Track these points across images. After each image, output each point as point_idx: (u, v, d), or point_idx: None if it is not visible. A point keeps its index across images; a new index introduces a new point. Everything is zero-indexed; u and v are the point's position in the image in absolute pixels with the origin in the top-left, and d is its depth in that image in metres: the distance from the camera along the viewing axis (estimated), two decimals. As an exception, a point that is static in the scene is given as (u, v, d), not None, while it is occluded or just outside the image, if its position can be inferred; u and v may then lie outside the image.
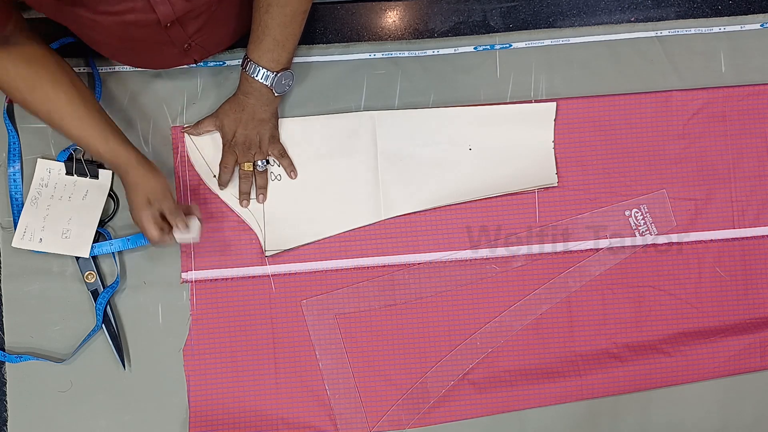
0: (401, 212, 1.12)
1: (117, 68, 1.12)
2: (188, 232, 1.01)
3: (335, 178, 1.12)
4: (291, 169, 1.11)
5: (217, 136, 1.12)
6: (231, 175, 1.10)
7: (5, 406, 1.09)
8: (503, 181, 1.13)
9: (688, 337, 1.13)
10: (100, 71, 1.12)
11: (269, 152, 1.10)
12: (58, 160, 1.10)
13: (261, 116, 1.07)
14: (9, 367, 1.09)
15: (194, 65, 1.12)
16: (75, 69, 1.11)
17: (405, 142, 1.13)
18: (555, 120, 1.14)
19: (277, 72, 1.02)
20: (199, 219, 1.03)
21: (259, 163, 1.09)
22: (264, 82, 1.02)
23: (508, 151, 1.14)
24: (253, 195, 1.12)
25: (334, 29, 1.15)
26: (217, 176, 1.11)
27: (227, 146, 1.09)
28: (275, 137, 1.10)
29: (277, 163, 1.11)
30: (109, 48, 1.01)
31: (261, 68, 1.02)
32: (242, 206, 1.11)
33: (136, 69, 1.12)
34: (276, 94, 1.04)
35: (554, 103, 1.13)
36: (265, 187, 1.11)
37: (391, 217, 1.12)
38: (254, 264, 1.11)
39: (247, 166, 1.09)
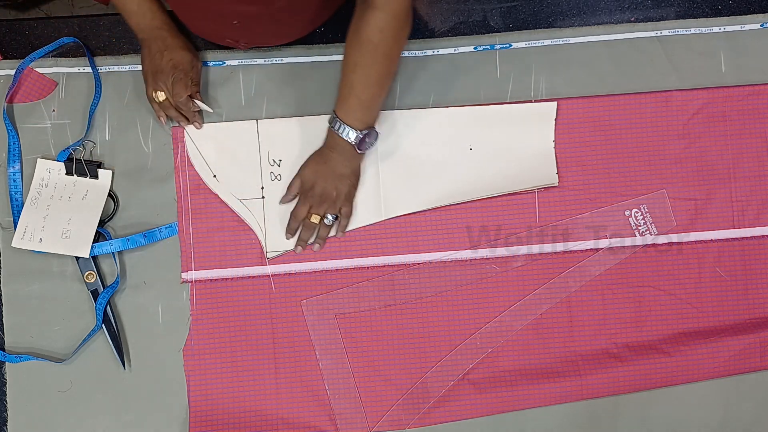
0: (401, 212, 1.13)
1: (117, 68, 1.13)
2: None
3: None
4: (342, 230, 1.11)
5: (216, 136, 1.12)
6: (299, 225, 1.10)
7: (5, 406, 1.09)
8: (503, 181, 1.13)
9: (688, 337, 1.13)
10: (100, 71, 1.12)
11: (341, 209, 1.10)
12: (58, 160, 1.10)
13: (341, 171, 1.07)
14: (9, 367, 1.09)
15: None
16: (75, 69, 1.12)
17: (405, 142, 1.13)
18: (555, 120, 1.14)
19: (362, 130, 1.03)
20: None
21: (329, 216, 1.09)
22: (348, 140, 1.03)
23: (508, 151, 1.14)
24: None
25: (334, 29, 1.14)
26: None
27: (303, 197, 1.09)
28: (351, 195, 1.10)
29: (335, 217, 1.11)
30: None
31: (346, 126, 1.03)
32: (296, 251, 1.11)
33: (136, 69, 1.12)
34: (359, 152, 1.06)
35: (554, 103, 1.13)
36: (326, 239, 1.11)
37: (391, 217, 1.12)
38: (254, 264, 1.12)
39: (315, 218, 1.09)
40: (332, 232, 1.12)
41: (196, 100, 1.08)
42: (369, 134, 1.05)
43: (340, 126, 1.03)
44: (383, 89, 1.04)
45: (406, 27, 1.00)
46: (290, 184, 1.11)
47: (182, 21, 1.07)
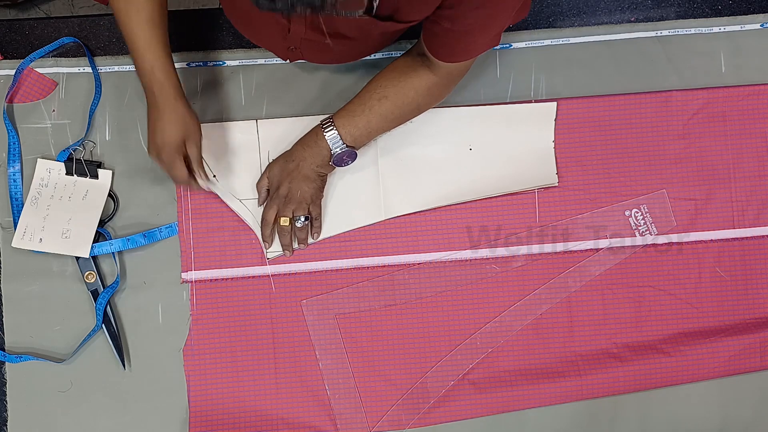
0: (401, 212, 1.12)
1: (117, 68, 1.13)
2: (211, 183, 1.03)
3: (335, 179, 1.12)
4: (316, 232, 1.11)
5: (216, 136, 1.12)
6: (271, 230, 1.09)
7: (5, 406, 1.09)
8: (503, 181, 1.13)
9: (688, 337, 1.13)
10: (100, 71, 1.12)
11: (309, 211, 1.09)
12: (58, 160, 1.10)
13: (307, 173, 1.06)
14: (9, 367, 1.09)
15: (192, 65, 1.12)
16: (75, 69, 1.12)
17: (405, 142, 1.13)
18: (555, 120, 1.14)
19: (348, 146, 1.03)
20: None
21: (301, 218, 1.08)
22: (331, 146, 1.03)
23: (508, 151, 1.14)
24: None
25: (334, 29, 1.14)
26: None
27: (270, 199, 1.09)
28: (317, 197, 1.09)
29: (306, 218, 1.09)
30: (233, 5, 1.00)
31: (338, 136, 1.02)
32: (285, 255, 1.10)
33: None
34: (331, 163, 1.05)
35: (554, 103, 1.13)
36: (306, 241, 1.11)
37: (391, 217, 1.12)
38: (254, 264, 1.11)
39: (284, 221, 1.08)
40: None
41: (200, 175, 1.04)
42: (350, 152, 1.04)
43: (332, 132, 1.02)
44: (394, 126, 1.06)
45: (450, 91, 1.04)
46: (258, 181, 1.10)
47: (236, 27, 1.06)
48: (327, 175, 1.09)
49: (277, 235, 1.11)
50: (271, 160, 1.11)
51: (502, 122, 1.13)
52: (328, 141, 1.03)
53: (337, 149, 1.03)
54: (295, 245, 1.11)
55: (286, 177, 1.07)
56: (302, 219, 1.08)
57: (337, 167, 1.07)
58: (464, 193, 1.13)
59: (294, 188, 1.06)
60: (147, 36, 0.94)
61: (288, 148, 1.09)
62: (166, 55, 0.96)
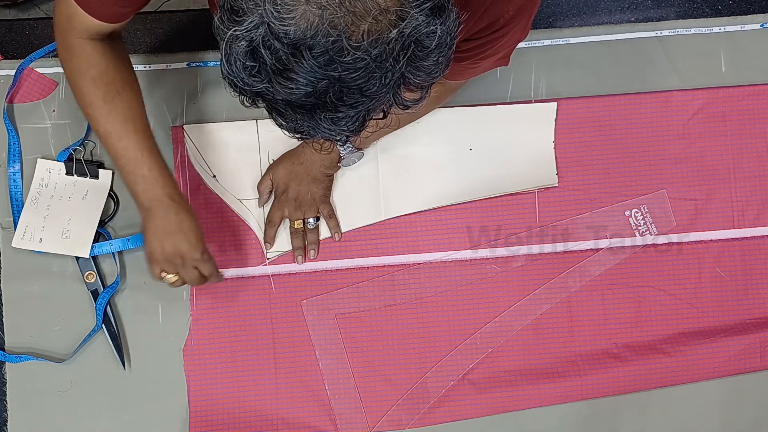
0: (401, 212, 1.12)
1: (117, 68, 1.12)
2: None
3: (335, 179, 1.12)
4: (336, 231, 1.11)
5: (215, 136, 1.12)
6: (276, 231, 1.10)
7: (5, 406, 1.09)
8: (503, 182, 1.13)
9: (688, 337, 1.13)
10: (100, 71, 1.12)
11: (319, 211, 1.09)
12: (58, 160, 1.10)
13: (315, 175, 1.06)
14: (9, 367, 1.09)
15: (192, 65, 1.12)
16: (75, 69, 1.12)
17: (405, 142, 1.13)
18: (555, 120, 1.14)
19: (356, 148, 1.04)
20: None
21: (311, 220, 1.09)
22: (340, 149, 1.03)
23: (508, 151, 1.14)
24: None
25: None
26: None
27: (277, 200, 1.09)
28: (326, 197, 1.09)
29: (317, 219, 1.10)
30: None
31: None
32: (297, 262, 1.10)
33: (136, 69, 1.10)
34: (340, 164, 1.06)
35: (554, 104, 1.13)
36: (317, 242, 1.11)
37: (391, 217, 1.12)
38: (254, 264, 1.11)
39: (297, 224, 1.09)
40: (325, 235, 1.11)
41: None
42: (358, 153, 1.06)
43: None
44: (399, 129, 1.06)
45: (455, 94, 1.04)
46: (260, 182, 1.10)
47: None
48: (333, 177, 1.09)
49: (279, 237, 1.11)
50: (271, 161, 1.11)
51: (502, 122, 1.13)
52: (337, 144, 1.03)
53: (346, 150, 1.04)
54: (312, 254, 1.11)
55: (293, 179, 1.07)
56: (312, 221, 1.09)
57: (343, 166, 1.08)
58: (464, 193, 1.13)
59: (303, 191, 1.07)
60: (148, 145, 0.93)
61: (288, 148, 1.09)
62: (166, 164, 0.95)
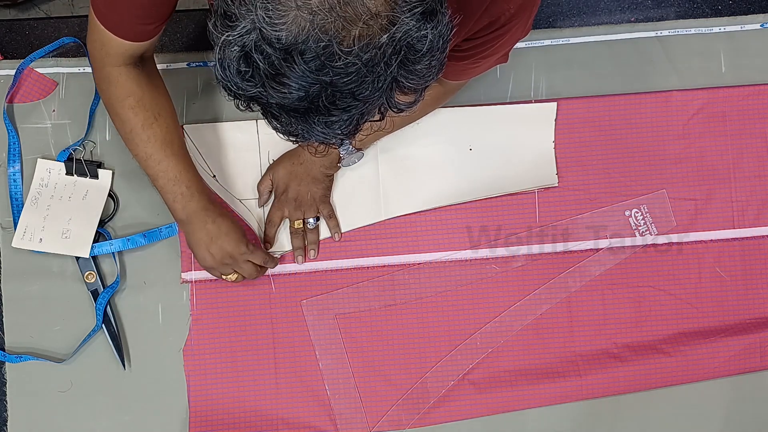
0: (401, 212, 1.12)
1: (117, 68, 1.12)
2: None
3: (335, 179, 1.12)
4: (336, 231, 1.11)
5: (216, 136, 1.12)
6: (276, 231, 1.10)
7: (5, 406, 1.09)
8: (503, 182, 1.13)
9: (688, 337, 1.13)
10: (100, 71, 1.12)
11: (319, 211, 1.10)
12: (58, 160, 1.10)
13: (315, 175, 1.06)
14: (9, 367, 1.09)
15: (192, 65, 1.12)
16: (75, 69, 1.12)
17: (405, 142, 1.13)
18: (555, 120, 1.14)
19: (356, 148, 1.04)
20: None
21: (311, 220, 1.09)
22: (339, 150, 1.04)
23: (508, 151, 1.14)
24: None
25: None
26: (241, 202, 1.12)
27: (277, 200, 1.09)
28: (326, 197, 1.10)
29: (316, 219, 1.11)
30: None
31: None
32: (297, 262, 1.11)
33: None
34: (339, 164, 1.06)
35: (554, 104, 1.13)
36: (317, 242, 1.11)
37: (391, 217, 1.12)
38: (254, 264, 1.11)
39: (297, 224, 1.09)
40: (325, 235, 1.11)
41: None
42: (358, 154, 1.07)
43: None
44: (399, 129, 1.06)
45: (455, 95, 1.04)
46: (259, 182, 1.10)
47: None
48: (333, 176, 1.09)
49: (279, 237, 1.11)
50: (271, 161, 1.11)
51: (502, 122, 1.13)
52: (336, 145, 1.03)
53: (345, 151, 1.04)
54: (312, 254, 1.11)
55: (293, 179, 1.07)
56: (312, 221, 1.09)
57: (343, 166, 1.08)
58: (464, 194, 1.13)
59: (303, 191, 1.07)
60: (186, 165, 0.99)
61: (288, 148, 1.09)
62: (201, 178, 1.01)
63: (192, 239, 1.02)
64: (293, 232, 1.10)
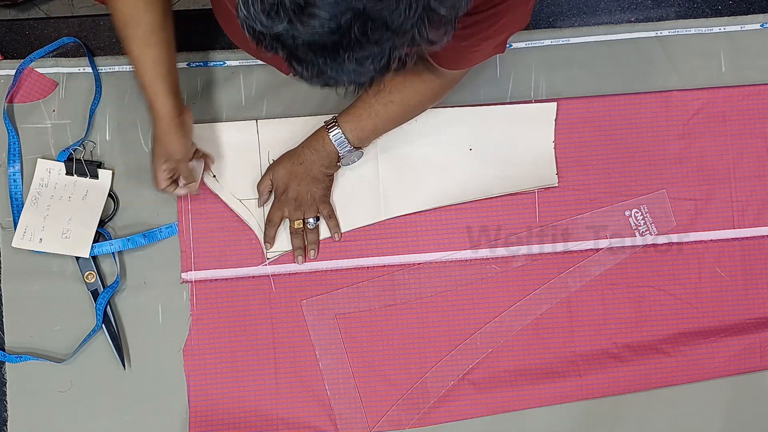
0: (401, 212, 1.12)
1: (117, 68, 1.12)
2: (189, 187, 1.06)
3: (335, 179, 1.12)
4: (336, 231, 1.11)
5: (215, 136, 1.12)
6: (276, 231, 1.10)
7: (5, 406, 1.09)
8: (503, 182, 1.13)
9: (688, 337, 1.13)
10: (100, 71, 1.12)
11: (319, 211, 1.09)
12: (58, 160, 1.10)
13: (315, 174, 1.06)
14: (9, 367, 1.09)
15: (192, 65, 1.12)
16: (75, 69, 1.12)
17: (405, 143, 1.12)
18: (555, 120, 1.14)
19: (355, 147, 1.04)
20: (205, 165, 1.08)
21: (311, 220, 1.09)
22: (338, 149, 1.03)
23: (508, 151, 1.14)
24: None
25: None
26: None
27: (277, 200, 1.09)
28: (326, 197, 1.09)
29: (316, 219, 1.10)
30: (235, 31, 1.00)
31: (344, 137, 1.02)
32: (297, 262, 1.10)
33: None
34: (339, 164, 1.06)
35: (554, 104, 1.13)
36: (317, 242, 1.11)
37: (391, 217, 1.12)
38: (254, 264, 1.11)
39: (297, 224, 1.09)
40: (325, 235, 1.12)
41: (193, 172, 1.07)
42: (357, 153, 1.07)
43: (337, 133, 1.03)
44: (398, 126, 1.06)
45: (453, 89, 1.04)
46: (259, 182, 1.10)
47: (227, 34, 1.06)
48: (333, 176, 1.09)
49: (279, 237, 1.11)
50: (271, 161, 1.11)
51: (502, 122, 1.13)
52: (334, 143, 1.03)
53: (344, 150, 1.04)
54: (312, 254, 1.11)
55: (293, 180, 1.07)
56: (312, 221, 1.09)
57: (343, 166, 1.08)
58: (464, 194, 1.13)
59: (303, 191, 1.07)
60: (143, 54, 0.94)
61: (288, 148, 1.09)
62: (157, 73, 0.96)
63: (153, 130, 1.01)
64: (293, 232, 1.10)
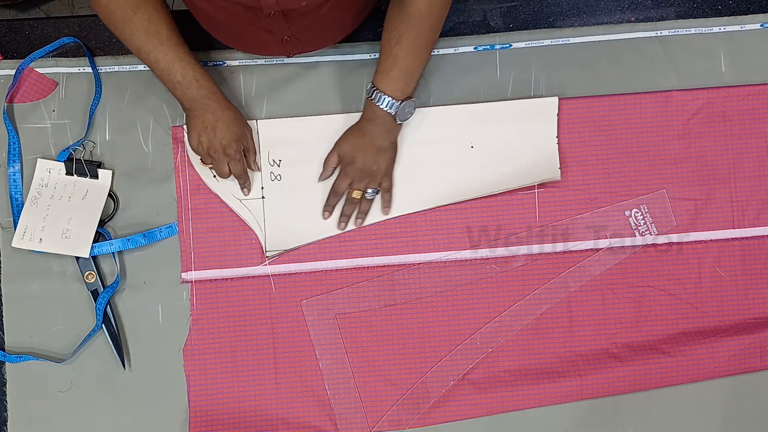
0: (401, 212, 1.13)
1: (117, 68, 1.13)
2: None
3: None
4: (387, 205, 1.12)
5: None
6: (338, 201, 1.11)
7: (5, 406, 1.09)
8: (506, 178, 1.13)
9: (688, 337, 1.13)
10: (100, 71, 1.12)
11: (381, 183, 1.10)
12: (58, 160, 1.10)
13: (380, 143, 1.07)
14: (9, 367, 1.09)
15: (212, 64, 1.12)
16: (75, 69, 1.12)
17: (406, 142, 1.13)
18: (557, 114, 1.14)
19: (402, 101, 1.04)
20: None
21: (369, 191, 1.10)
22: (388, 110, 1.04)
23: (510, 147, 1.14)
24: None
25: (334, 29, 1.14)
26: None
27: (343, 172, 1.10)
28: (390, 169, 1.10)
29: (375, 191, 1.11)
30: (216, 25, 1.03)
31: (386, 97, 1.03)
32: (339, 228, 1.12)
33: (136, 69, 1.12)
34: (398, 122, 1.06)
35: (556, 98, 1.13)
36: (366, 214, 1.12)
37: (391, 217, 1.12)
38: (254, 264, 1.12)
39: (357, 194, 1.10)
40: (378, 214, 1.12)
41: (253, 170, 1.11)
42: (408, 103, 1.06)
43: (380, 98, 1.03)
44: (426, 59, 1.05)
45: None
46: (327, 158, 1.11)
47: (212, 33, 1.07)
48: (397, 140, 1.10)
49: (282, 235, 1.11)
50: (270, 161, 1.11)
51: (503, 119, 1.13)
52: (384, 108, 1.03)
53: (396, 109, 1.04)
54: (358, 222, 1.12)
55: (359, 152, 1.08)
56: (371, 192, 1.10)
57: (404, 122, 1.09)
58: (466, 191, 1.13)
59: (369, 161, 1.08)
60: (177, 53, 0.99)
61: (288, 148, 1.10)
62: (202, 67, 1.02)
63: (189, 123, 1.04)
64: (349, 200, 1.11)
